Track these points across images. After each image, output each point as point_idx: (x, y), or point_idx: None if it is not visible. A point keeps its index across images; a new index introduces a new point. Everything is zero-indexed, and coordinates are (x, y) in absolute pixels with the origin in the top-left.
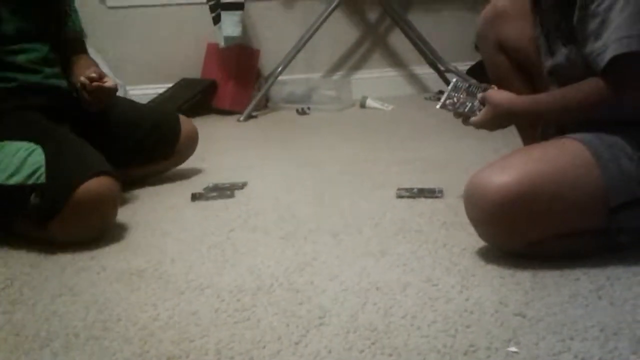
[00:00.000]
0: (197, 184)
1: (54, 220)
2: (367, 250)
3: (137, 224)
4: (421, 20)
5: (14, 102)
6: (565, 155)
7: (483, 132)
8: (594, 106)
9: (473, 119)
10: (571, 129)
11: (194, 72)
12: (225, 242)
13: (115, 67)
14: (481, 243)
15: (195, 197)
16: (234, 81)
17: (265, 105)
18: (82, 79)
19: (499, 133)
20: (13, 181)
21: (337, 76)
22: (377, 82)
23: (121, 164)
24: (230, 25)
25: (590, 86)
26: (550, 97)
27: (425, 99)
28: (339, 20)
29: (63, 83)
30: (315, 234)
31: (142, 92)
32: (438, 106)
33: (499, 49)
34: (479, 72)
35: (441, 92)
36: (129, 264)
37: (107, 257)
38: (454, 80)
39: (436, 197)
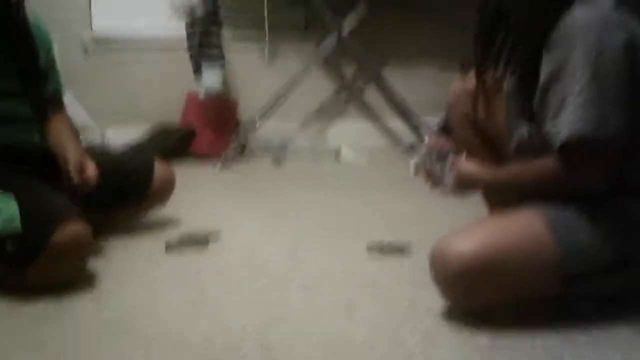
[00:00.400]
0: (172, 233)
1: (30, 265)
2: (336, 306)
3: (110, 273)
4: (395, 77)
5: None
6: (523, 227)
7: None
8: (547, 184)
9: (444, 185)
10: (531, 200)
11: (173, 117)
12: (198, 295)
13: (96, 110)
14: (445, 303)
15: (169, 247)
16: (212, 129)
17: (242, 152)
18: (69, 170)
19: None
20: None
21: (312, 127)
22: (352, 133)
23: (94, 209)
24: (211, 76)
25: (546, 165)
26: (510, 171)
27: (398, 152)
28: (317, 73)
29: (32, 138)
30: (288, 288)
31: (121, 135)
32: (412, 172)
33: (466, 121)
34: (449, 129)
35: (412, 147)
36: (100, 316)
37: (79, 307)
38: (425, 144)
39: (404, 253)
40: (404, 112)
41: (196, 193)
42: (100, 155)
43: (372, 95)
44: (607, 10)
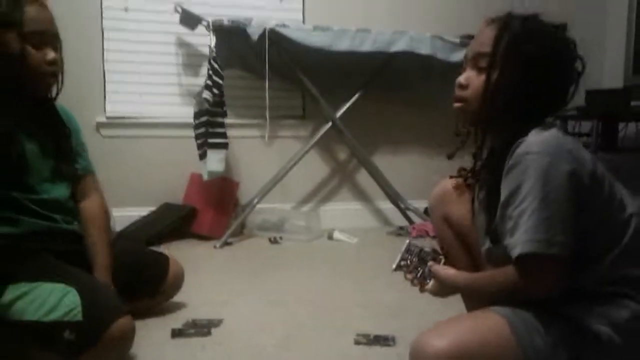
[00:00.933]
0: (178, 318)
1: (83, 354)
2: None
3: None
4: (384, 162)
5: (30, 245)
6: (490, 328)
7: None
8: (509, 291)
9: (426, 287)
10: (500, 301)
11: (176, 197)
12: None
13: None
14: None
15: (175, 333)
16: (213, 209)
17: (240, 231)
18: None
19: None
20: (50, 318)
21: (307, 207)
22: (343, 214)
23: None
24: (215, 161)
25: (506, 274)
26: (479, 278)
27: (387, 233)
28: (312, 156)
29: (75, 227)
30: None
31: (127, 214)
32: (393, 268)
33: (444, 222)
34: None
35: (401, 229)
36: None
37: None
38: (407, 242)
39: (389, 345)
40: (392, 195)
41: (198, 275)
42: (121, 246)
43: (363, 178)
44: (557, 137)
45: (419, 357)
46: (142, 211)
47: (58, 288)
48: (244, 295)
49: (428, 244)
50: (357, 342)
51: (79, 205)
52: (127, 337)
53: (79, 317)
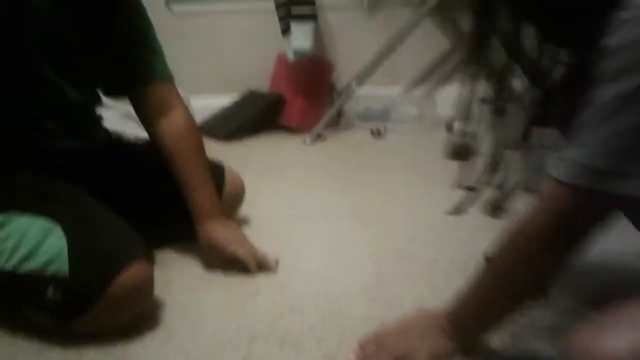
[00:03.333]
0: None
1: (79, 318)
2: None
3: (171, 303)
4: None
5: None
6: None
7: None
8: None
9: None
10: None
11: (262, 83)
12: (244, 359)
13: (178, 76)
14: None
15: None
16: (303, 96)
17: (337, 122)
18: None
19: None
20: (27, 268)
21: (420, 91)
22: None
23: (150, 225)
24: (301, 37)
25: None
26: (488, 277)
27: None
28: (426, 26)
29: (95, 133)
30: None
31: (206, 102)
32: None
33: None
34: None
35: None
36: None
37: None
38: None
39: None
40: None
41: (275, 179)
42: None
43: (494, 52)
44: None
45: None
46: (223, 100)
47: (38, 224)
48: (328, 211)
49: None
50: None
51: (153, 127)
52: (140, 292)
53: (64, 272)
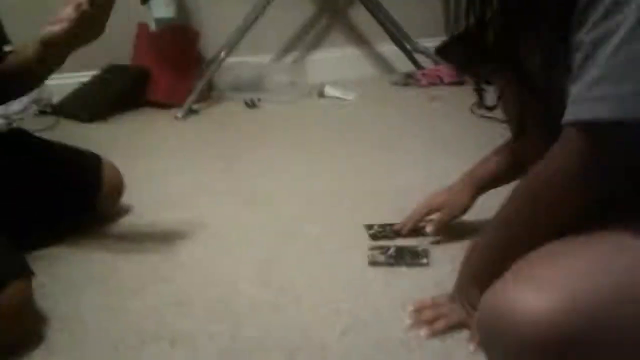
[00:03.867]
0: (122, 230)
1: None
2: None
3: (49, 313)
4: None
5: None
6: (627, 267)
7: (463, 142)
8: (558, 189)
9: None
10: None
11: (124, 56)
12: (138, 348)
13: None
14: None
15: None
16: (170, 68)
17: (208, 95)
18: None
19: (486, 146)
20: None
21: (290, 58)
22: (335, 63)
23: (26, 232)
24: (162, 4)
25: (553, 161)
26: (502, 221)
27: (392, 83)
28: None
29: None
30: (260, 354)
31: (63, 81)
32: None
33: None
34: (449, 51)
35: (409, 76)
36: None
37: None
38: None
39: (421, 264)
40: (396, 34)
41: (149, 160)
42: (33, 150)
43: (358, 16)
44: None
45: (503, 325)
46: (83, 77)
47: None
48: (210, 189)
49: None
50: (372, 262)
51: None
52: (18, 315)
53: None
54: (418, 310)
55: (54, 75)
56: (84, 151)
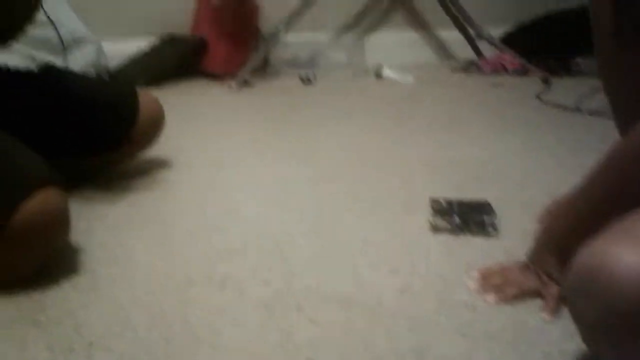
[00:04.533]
0: (166, 180)
1: None
2: (393, 345)
3: (93, 248)
4: None
5: None
6: None
7: (528, 127)
8: None
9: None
10: None
11: (183, 26)
12: (177, 311)
13: (89, 18)
14: (575, 345)
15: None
16: (228, 40)
17: (264, 69)
18: None
19: (553, 132)
20: None
21: (348, 38)
22: (395, 46)
23: (62, 154)
24: None
25: None
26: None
27: (452, 69)
28: None
29: None
30: (314, 301)
31: (121, 46)
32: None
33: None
34: (515, 40)
35: (472, 63)
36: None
37: (57, 301)
38: None
39: (488, 234)
40: (460, 19)
41: (203, 124)
42: (68, 81)
43: None
44: None
45: (601, 274)
46: (141, 43)
47: None
48: (262, 152)
49: None
50: (434, 229)
51: None
52: (52, 220)
53: None
54: (485, 277)
55: (112, 40)
56: (119, 82)
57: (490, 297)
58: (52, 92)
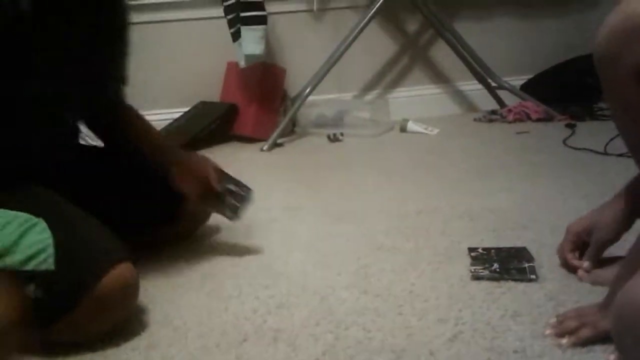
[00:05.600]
0: (210, 242)
1: (61, 319)
2: None
3: (149, 310)
4: (468, 30)
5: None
6: None
7: (558, 171)
8: None
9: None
10: None
11: (213, 94)
12: (236, 358)
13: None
14: None
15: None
16: (256, 104)
17: (292, 130)
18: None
19: (583, 175)
20: (6, 263)
21: (372, 96)
22: (417, 101)
23: (125, 231)
24: (252, 42)
25: None
26: None
27: (475, 120)
28: (374, 31)
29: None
30: (365, 355)
31: (156, 117)
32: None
33: (636, 79)
34: (535, 87)
35: (493, 113)
36: None
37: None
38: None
39: (529, 279)
40: (480, 72)
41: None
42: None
43: (441, 53)
44: None
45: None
46: (174, 113)
47: (21, 217)
48: (297, 210)
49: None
50: (475, 277)
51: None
52: (126, 293)
53: (49, 265)
54: (561, 322)
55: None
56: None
57: (564, 341)
58: (118, 169)
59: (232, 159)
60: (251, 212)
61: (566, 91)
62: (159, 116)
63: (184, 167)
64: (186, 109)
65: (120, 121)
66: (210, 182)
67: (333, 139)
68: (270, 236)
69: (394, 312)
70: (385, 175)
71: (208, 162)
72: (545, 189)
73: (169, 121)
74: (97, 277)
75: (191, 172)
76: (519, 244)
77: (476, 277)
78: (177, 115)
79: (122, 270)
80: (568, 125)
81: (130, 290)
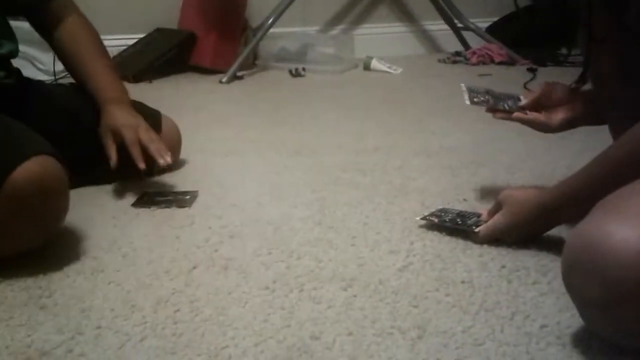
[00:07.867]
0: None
1: None
2: (394, 323)
3: (96, 236)
4: None
5: None
6: None
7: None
8: None
9: (483, 227)
10: None
11: (170, 21)
12: (182, 292)
13: None
14: (570, 316)
15: (141, 201)
16: (216, 34)
17: (252, 63)
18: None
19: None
20: None
21: (337, 31)
22: (382, 39)
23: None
24: None
25: None
26: (609, 157)
27: (439, 61)
28: None
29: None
30: (315, 283)
31: (111, 42)
32: (467, 103)
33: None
34: (500, 31)
35: (457, 54)
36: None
37: (63, 286)
38: (462, 86)
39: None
40: (447, 11)
41: (194, 115)
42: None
43: None
44: None
45: (597, 252)
46: (129, 40)
47: None
48: (254, 142)
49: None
50: (427, 224)
51: (52, 39)
52: (44, 190)
53: None
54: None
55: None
56: (144, 106)
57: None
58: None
59: (190, 90)
60: (208, 142)
61: (531, 35)
62: (116, 41)
63: (108, 123)
64: (141, 36)
65: (52, 18)
66: (127, 147)
67: (295, 73)
68: (225, 168)
69: (346, 244)
70: (345, 112)
71: (135, 122)
72: (504, 130)
73: (123, 47)
74: (8, 168)
75: (112, 129)
76: (473, 180)
77: (428, 225)
78: (131, 42)
79: (44, 160)
80: (529, 70)
81: (51, 186)
